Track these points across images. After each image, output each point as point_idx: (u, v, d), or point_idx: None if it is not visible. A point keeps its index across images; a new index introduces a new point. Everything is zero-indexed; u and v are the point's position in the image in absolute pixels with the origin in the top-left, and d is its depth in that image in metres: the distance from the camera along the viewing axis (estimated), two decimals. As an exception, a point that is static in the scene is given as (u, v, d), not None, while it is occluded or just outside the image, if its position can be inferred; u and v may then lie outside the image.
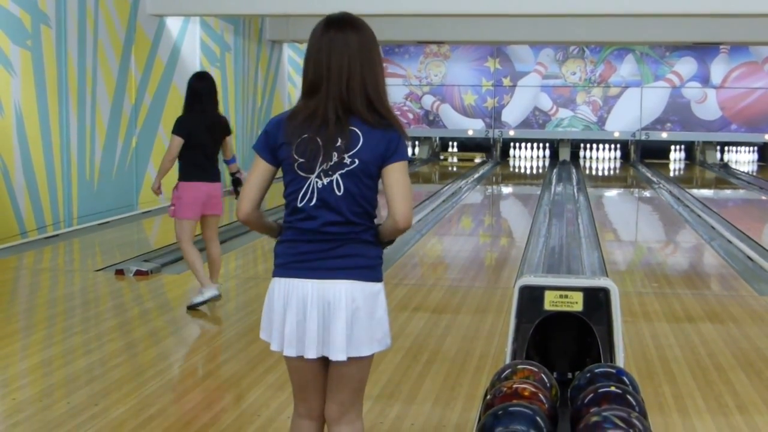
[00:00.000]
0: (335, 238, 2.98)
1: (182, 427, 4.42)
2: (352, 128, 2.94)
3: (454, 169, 22.57)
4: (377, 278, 3.04)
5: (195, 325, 6.69)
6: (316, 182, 2.96)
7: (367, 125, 2.95)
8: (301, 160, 2.96)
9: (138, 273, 7.96)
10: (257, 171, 3.09)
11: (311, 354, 2.98)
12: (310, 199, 2.97)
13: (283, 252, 3.06)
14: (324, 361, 3.05)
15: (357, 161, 2.94)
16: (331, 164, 2.95)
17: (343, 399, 3.08)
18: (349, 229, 2.98)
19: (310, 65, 3.00)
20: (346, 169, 2.94)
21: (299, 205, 2.99)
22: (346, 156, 2.94)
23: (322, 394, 3.12)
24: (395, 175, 2.98)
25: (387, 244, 3.13)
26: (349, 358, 2.98)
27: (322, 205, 2.97)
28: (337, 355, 2.97)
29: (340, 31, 2.98)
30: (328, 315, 2.96)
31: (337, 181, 2.95)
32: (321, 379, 3.10)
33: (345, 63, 2.94)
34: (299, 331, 2.98)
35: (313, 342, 2.97)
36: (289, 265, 3.02)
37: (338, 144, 2.93)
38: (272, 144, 3.03)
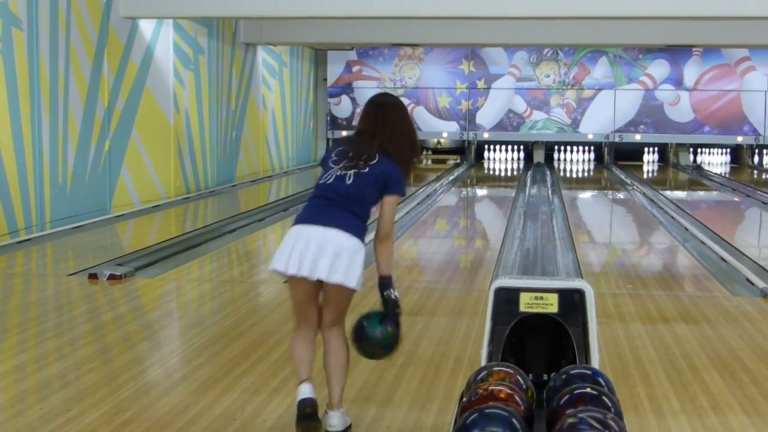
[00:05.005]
0: (339, 204, 4.14)
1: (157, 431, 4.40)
2: (378, 154, 4.21)
3: (429, 171, 22.57)
4: (361, 239, 4.16)
5: (169, 329, 6.66)
6: (338, 171, 4.20)
7: (390, 158, 4.22)
8: (335, 158, 4.26)
9: (111, 277, 7.90)
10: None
11: (304, 272, 4.07)
12: (328, 179, 4.20)
13: (302, 212, 4.22)
14: (316, 285, 4.15)
15: (368, 169, 4.18)
16: (352, 164, 4.19)
17: (332, 315, 4.24)
18: (350, 211, 4.15)
19: (364, 117, 4.35)
20: (360, 170, 4.18)
21: (320, 182, 4.23)
22: (365, 164, 4.18)
23: (315, 309, 4.23)
24: (387, 205, 4.21)
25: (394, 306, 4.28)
26: (333, 284, 4.08)
27: (335, 185, 4.16)
28: (321, 275, 4.07)
29: (385, 102, 4.40)
30: (323, 249, 4.07)
31: (350, 175, 4.18)
32: (315, 297, 4.21)
33: (388, 120, 4.28)
34: (301, 258, 4.07)
35: (307, 264, 4.06)
36: (304, 219, 4.18)
37: (364, 156, 4.20)
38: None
